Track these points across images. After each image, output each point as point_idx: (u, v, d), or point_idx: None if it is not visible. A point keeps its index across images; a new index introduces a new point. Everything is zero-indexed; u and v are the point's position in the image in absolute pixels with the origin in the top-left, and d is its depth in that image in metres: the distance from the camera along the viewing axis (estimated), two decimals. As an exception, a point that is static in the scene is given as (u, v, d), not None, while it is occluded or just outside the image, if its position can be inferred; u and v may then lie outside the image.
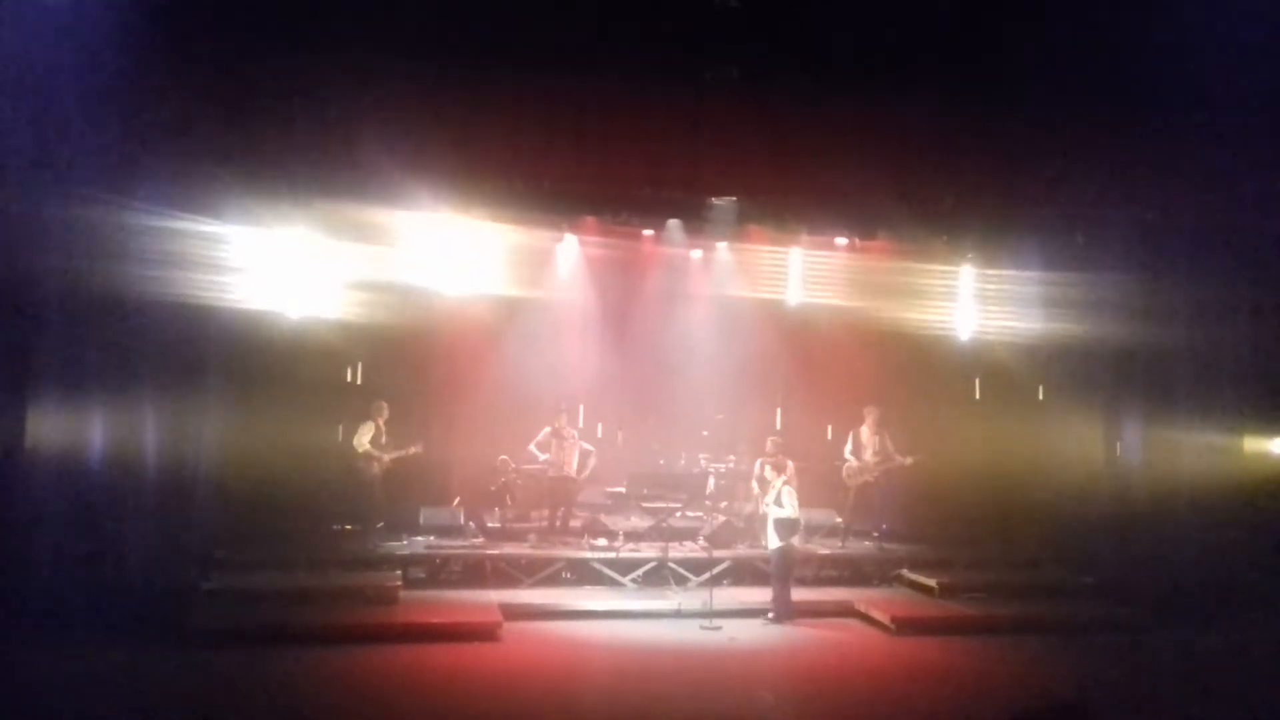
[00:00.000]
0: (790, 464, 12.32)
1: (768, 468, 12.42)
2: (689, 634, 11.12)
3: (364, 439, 13.09)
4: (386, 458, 13.18)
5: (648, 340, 15.51)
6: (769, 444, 13.12)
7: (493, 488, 13.90)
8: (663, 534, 13.25)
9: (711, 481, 14.79)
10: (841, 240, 14.70)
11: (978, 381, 15.43)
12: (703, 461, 15.33)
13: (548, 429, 13.87)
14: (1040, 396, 14.70)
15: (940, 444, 14.07)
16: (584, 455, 14.07)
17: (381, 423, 13.24)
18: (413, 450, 13.35)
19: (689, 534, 13.84)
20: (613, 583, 12.66)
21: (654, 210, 13.90)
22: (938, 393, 14.97)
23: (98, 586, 10.35)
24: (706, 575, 12.40)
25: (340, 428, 13.77)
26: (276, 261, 12.26)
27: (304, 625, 10.44)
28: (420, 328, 13.86)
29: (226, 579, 11.42)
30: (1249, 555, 12.58)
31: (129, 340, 11.05)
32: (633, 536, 13.61)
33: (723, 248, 15.46)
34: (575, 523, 14.13)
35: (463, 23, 10.86)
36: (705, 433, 15.68)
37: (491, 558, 12.84)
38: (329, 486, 13.31)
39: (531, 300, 14.77)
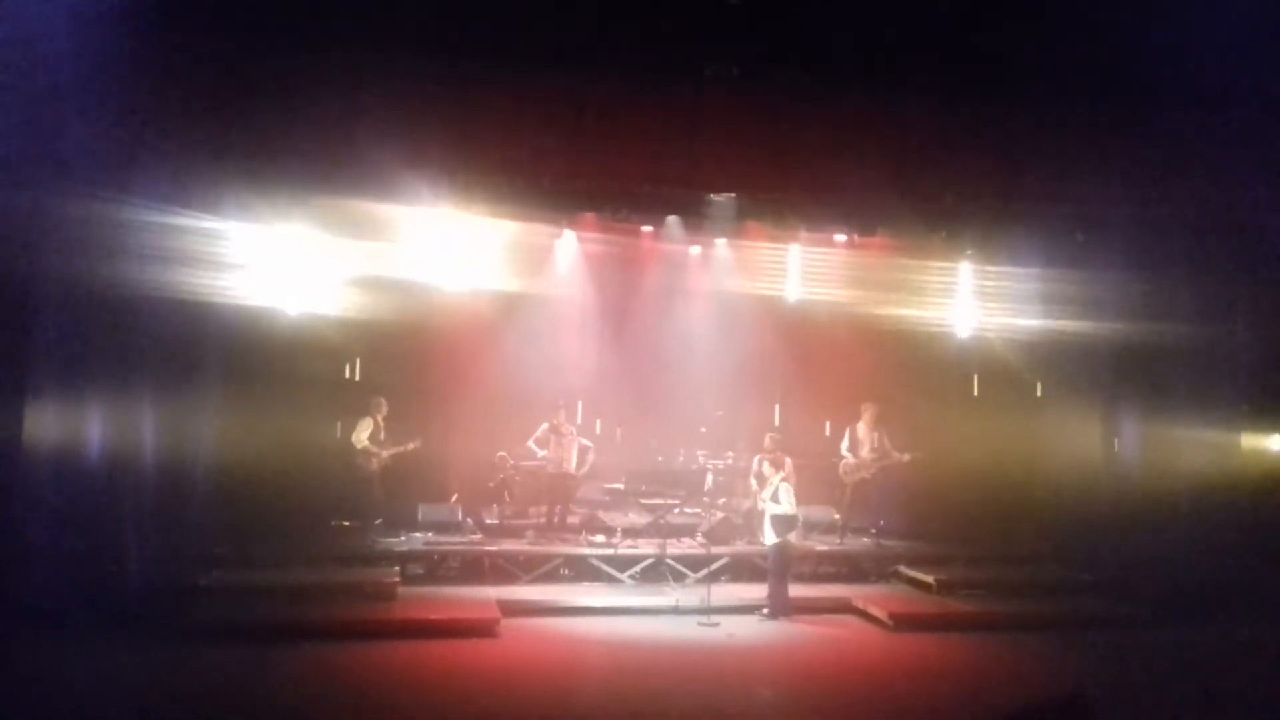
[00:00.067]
0: (788, 460, 12.32)
1: (766, 464, 12.42)
2: (687, 630, 11.13)
3: (362, 435, 13.10)
4: (385, 454, 13.19)
5: (646, 337, 15.51)
6: (767, 440, 13.12)
7: (491, 484, 13.93)
8: (661, 530, 13.26)
9: (710, 478, 14.80)
10: (840, 237, 14.66)
11: (976, 378, 15.46)
12: (701, 458, 15.33)
13: (546, 425, 13.87)
14: (1039, 393, 14.73)
15: (939, 441, 14.08)
16: (582, 451, 14.08)
17: (380, 419, 13.25)
18: (412, 446, 13.36)
19: (687, 530, 13.84)
20: (611, 579, 12.67)
21: (653, 206, 13.88)
22: (936, 389, 14.97)
23: (96, 583, 10.34)
24: (704, 572, 12.42)
25: (339, 424, 13.79)
26: (275, 257, 12.25)
27: (302, 621, 10.46)
28: (419, 324, 13.85)
29: (225, 575, 11.44)
30: (1247, 552, 12.57)
31: (127, 337, 11.05)
32: (631, 533, 13.62)
33: (721, 244, 15.45)
34: (573, 519, 14.15)
35: (462, 19, 10.83)
36: (703, 429, 15.68)
37: (490, 554, 12.84)
38: (327, 483, 13.32)
39: (530, 296, 14.76)
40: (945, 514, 14.40)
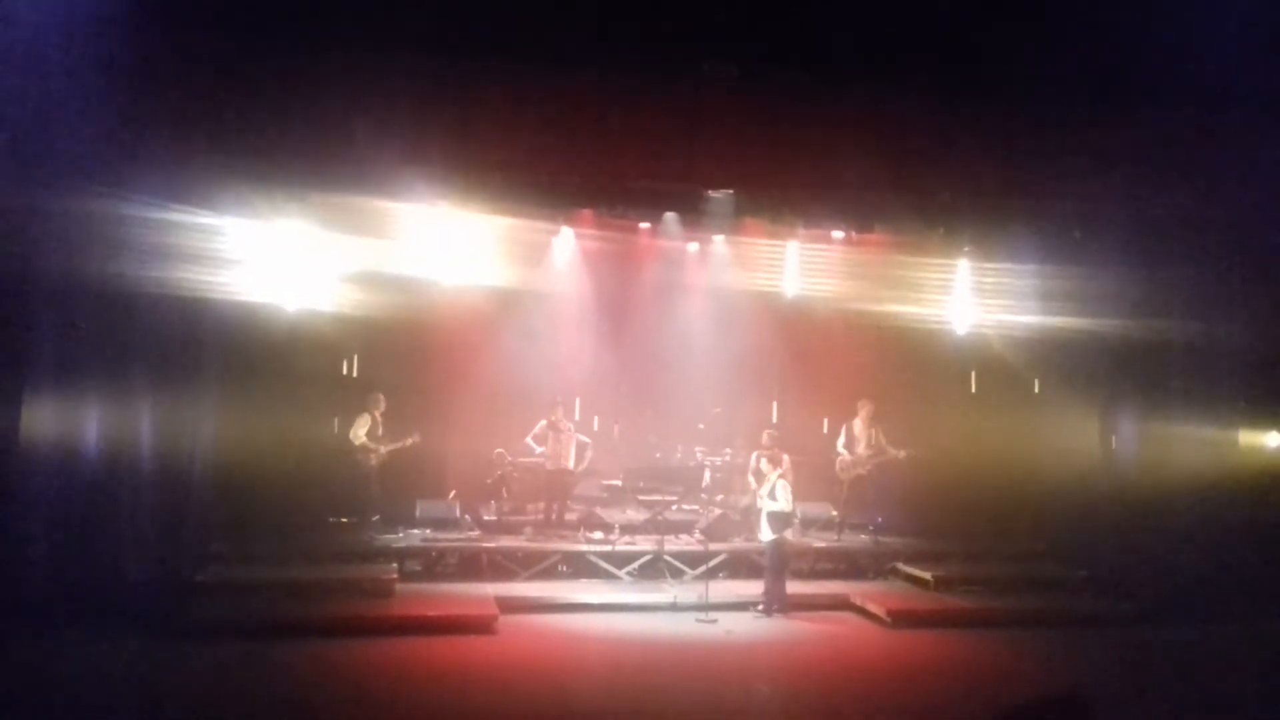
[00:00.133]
0: (786, 457, 12.34)
1: (763, 461, 12.42)
2: (685, 627, 11.14)
3: (360, 432, 13.09)
4: (383, 450, 13.17)
5: (644, 333, 15.50)
6: (765, 437, 13.15)
7: (489, 481, 13.93)
8: (659, 527, 13.26)
9: (707, 474, 14.81)
10: (838, 233, 14.66)
11: (974, 375, 15.44)
12: (699, 454, 15.33)
13: (544, 422, 13.86)
14: (1036, 390, 14.73)
15: (936, 437, 14.11)
16: (581, 448, 14.07)
17: (378, 415, 13.25)
18: (410, 441, 13.34)
19: (685, 527, 13.85)
20: (609, 576, 12.68)
21: (650, 203, 13.89)
22: (934, 386, 14.97)
23: (94, 580, 10.36)
24: (702, 568, 12.43)
25: (336, 420, 13.77)
26: (273, 254, 12.21)
27: (300, 618, 10.46)
28: (416, 320, 13.82)
29: (222, 572, 11.43)
30: (1243, 549, 12.59)
31: (125, 333, 11.04)
32: (629, 529, 13.62)
33: (719, 240, 15.44)
34: (571, 516, 14.14)
35: (459, 16, 10.81)
36: (701, 426, 15.67)
37: (488, 551, 12.85)
38: (325, 479, 13.30)
39: (528, 293, 14.73)
40: (943, 511, 14.40)
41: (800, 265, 15.05)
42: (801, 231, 14.57)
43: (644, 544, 13.10)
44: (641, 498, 14.27)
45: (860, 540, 13.99)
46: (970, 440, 14.10)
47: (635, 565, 12.77)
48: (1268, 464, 13.49)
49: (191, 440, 11.65)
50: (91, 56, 9.95)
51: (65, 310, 10.70)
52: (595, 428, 15.45)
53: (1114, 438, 13.78)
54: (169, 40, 10.40)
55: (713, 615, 11.30)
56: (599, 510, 14.36)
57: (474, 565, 12.77)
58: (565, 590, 12.20)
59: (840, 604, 12.22)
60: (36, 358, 10.66)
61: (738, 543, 13.29)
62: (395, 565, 12.12)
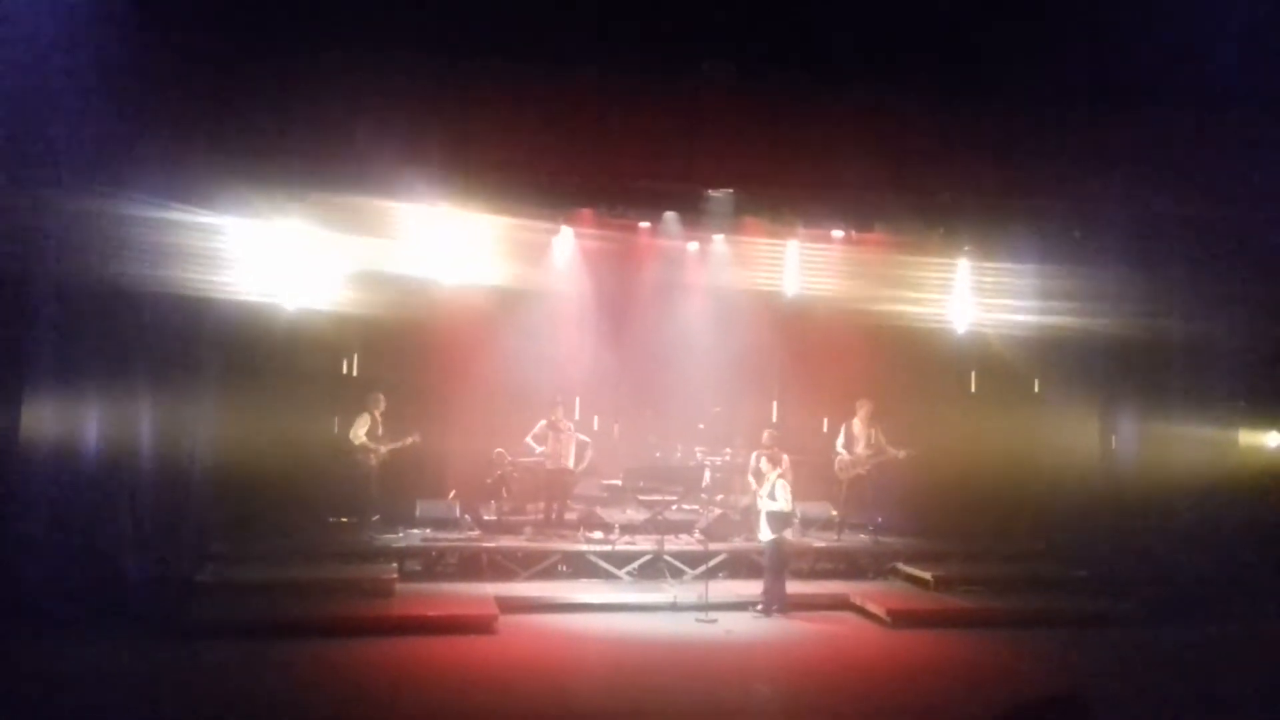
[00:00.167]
0: (785, 457, 12.33)
1: (763, 460, 12.41)
2: (685, 627, 11.14)
3: (360, 432, 13.09)
4: (383, 450, 13.17)
5: (644, 333, 15.49)
6: (765, 436, 13.14)
7: (489, 480, 13.93)
8: (658, 527, 13.26)
9: (707, 474, 14.80)
10: (838, 233, 14.67)
11: (974, 375, 15.46)
12: (699, 454, 15.32)
13: (544, 421, 13.85)
14: (1036, 390, 14.73)
15: (936, 437, 14.09)
16: (581, 447, 14.07)
17: (378, 415, 13.24)
18: (410, 441, 13.33)
19: (685, 527, 13.85)
20: (609, 575, 12.68)
21: (650, 202, 13.89)
22: (934, 386, 14.98)
23: (93, 579, 10.35)
24: (702, 568, 12.43)
25: (336, 420, 13.77)
26: (273, 253, 12.21)
27: (300, 618, 10.46)
28: (416, 320, 13.81)
29: (222, 571, 11.43)
30: (1243, 549, 12.60)
31: (124, 332, 11.03)
32: (629, 529, 13.62)
33: (719, 240, 15.44)
34: (571, 515, 14.14)
35: (459, 16, 10.81)
36: (701, 425, 15.67)
37: (487, 550, 12.84)
38: (325, 479, 13.29)
39: (528, 292, 14.72)
40: (943, 511, 14.40)
41: (800, 265, 15.04)
42: (801, 231, 14.56)
43: (644, 544, 13.10)
44: (641, 497, 14.26)
45: (860, 540, 13.99)
46: (970, 440, 14.09)
47: (635, 565, 12.77)
48: (1267, 464, 13.49)
49: (191, 440, 11.64)
50: (91, 56, 9.94)
51: (65, 310, 10.70)
52: (595, 427, 15.45)
53: (1114, 437, 13.77)
54: (169, 40, 10.39)
55: (713, 615, 11.30)
56: (599, 510, 14.35)
57: (474, 565, 12.77)
58: (565, 590, 12.20)
59: (840, 604, 12.22)
60: (36, 357, 10.66)
61: (738, 542, 13.29)
62: (395, 565, 12.12)
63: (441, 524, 13.66)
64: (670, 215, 14.43)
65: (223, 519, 12.16)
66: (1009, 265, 13.83)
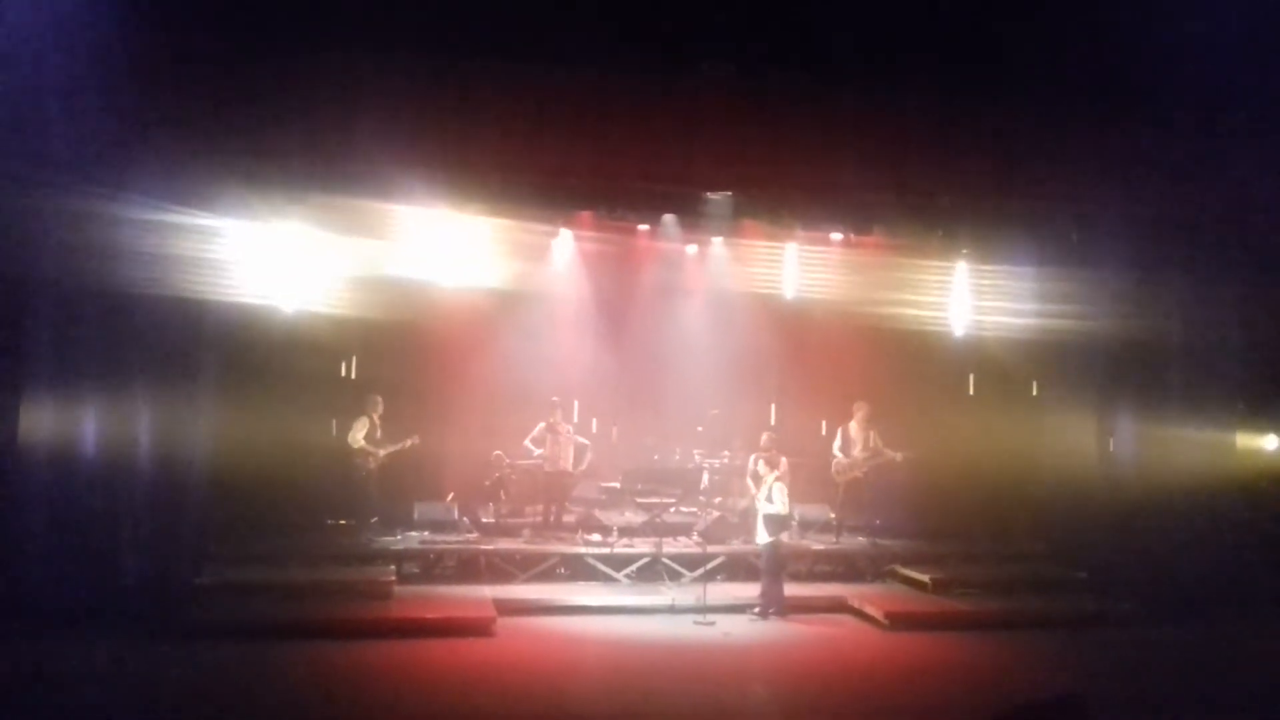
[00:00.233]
0: (784, 460, 12.32)
1: (761, 463, 12.41)
2: (683, 629, 11.13)
3: (358, 435, 13.07)
4: (382, 452, 13.15)
5: (643, 335, 15.51)
6: (763, 439, 13.13)
7: (487, 483, 13.91)
8: (657, 529, 13.26)
9: (706, 477, 14.81)
10: (837, 235, 14.69)
11: (972, 377, 15.45)
12: (697, 457, 15.32)
13: (542, 424, 13.85)
14: (1034, 392, 14.73)
15: (934, 439, 14.09)
16: (580, 450, 14.07)
17: (376, 417, 13.23)
18: (409, 443, 13.31)
19: (683, 529, 13.82)
20: (607, 578, 12.67)
21: (649, 205, 13.91)
22: (932, 388, 14.97)
23: (92, 581, 10.35)
24: (700, 571, 12.41)
25: (334, 422, 13.75)
26: (271, 255, 12.21)
27: (298, 620, 10.45)
28: (415, 322, 13.83)
29: (220, 574, 11.41)
30: (1241, 550, 12.62)
31: (123, 334, 11.03)
32: (627, 532, 13.60)
33: (718, 242, 15.48)
34: (569, 518, 14.14)
35: (458, 17, 10.82)
36: (700, 428, 15.67)
37: (486, 553, 12.83)
38: (323, 481, 13.28)
39: (527, 295, 14.74)
40: (941, 513, 14.41)
41: (799, 267, 15.07)
42: (800, 233, 14.60)
43: (642, 546, 13.09)
44: (640, 500, 14.28)
45: (858, 542, 13.98)
46: (969, 442, 14.09)
47: (633, 567, 12.77)
48: (1265, 466, 13.50)
49: (190, 442, 11.61)
50: (90, 57, 9.95)
51: (64, 312, 10.70)
52: (594, 429, 15.45)
53: (1112, 439, 13.76)
54: (168, 40, 10.40)
55: (711, 617, 11.29)
56: (597, 512, 14.35)
57: (472, 567, 12.76)
58: (563, 592, 12.19)
59: (838, 606, 12.21)
60: (35, 359, 10.66)
61: (736, 545, 13.28)
62: (393, 567, 12.11)
63: (440, 526, 13.66)
64: (669, 217, 14.46)
65: (221, 521, 12.14)
66: (1007, 268, 13.84)
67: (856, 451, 13.87)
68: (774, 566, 11.80)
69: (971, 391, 15.48)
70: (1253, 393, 13.42)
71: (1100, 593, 12.56)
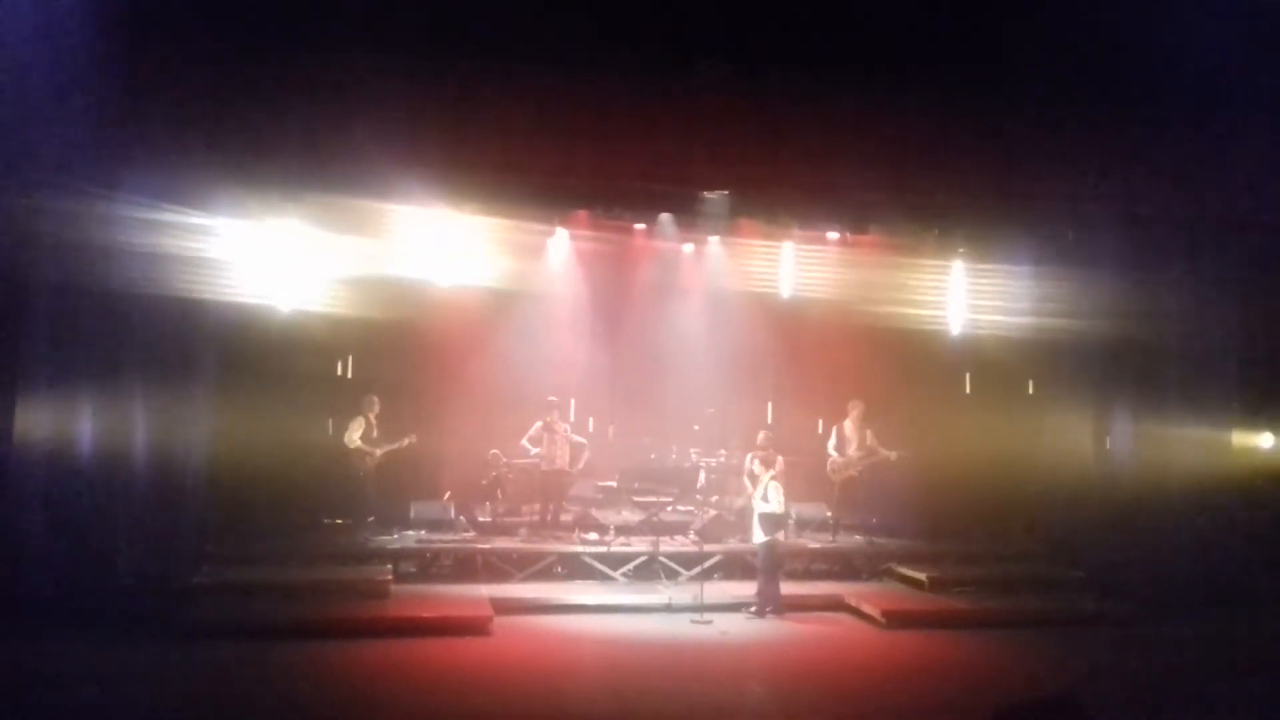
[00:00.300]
0: (780, 459, 12.33)
1: (756, 462, 12.42)
2: (680, 628, 11.13)
3: (354, 435, 13.06)
4: (379, 452, 13.13)
5: (639, 334, 15.51)
6: (760, 438, 13.12)
7: (484, 482, 13.90)
8: (654, 528, 13.28)
9: (703, 476, 14.80)
10: (833, 234, 14.70)
11: (968, 376, 15.46)
12: (694, 456, 15.29)
13: (539, 423, 13.84)
14: (1030, 391, 14.74)
15: (932, 438, 14.11)
16: (577, 449, 14.07)
17: (372, 417, 13.21)
18: (407, 441, 13.30)
19: (680, 528, 13.84)
20: (604, 577, 12.67)
21: (646, 204, 13.89)
22: (928, 387, 14.97)
23: (89, 581, 10.35)
24: (697, 569, 12.42)
25: (331, 421, 13.75)
26: (268, 254, 12.20)
27: (295, 620, 10.44)
28: (411, 322, 13.83)
29: (217, 573, 11.41)
30: (1238, 549, 12.64)
31: (119, 334, 11.03)
32: (624, 531, 13.62)
33: (714, 241, 15.48)
34: (566, 517, 14.14)
35: (455, 17, 10.81)
36: (696, 427, 15.65)
37: (483, 552, 12.83)
38: (320, 480, 13.28)
39: (523, 294, 14.72)
40: (938, 511, 14.43)
41: (795, 266, 15.07)
42: (797, 232, 14.62)
43: (639, 545, 13.11)
44: (636, 499, 14.29)
45: (855, 541, 14.00)
46: (965, 441, 14.08)
47: (630, 566, 12.77)
48: (1261, 465, 13.52)
49: (187, 441, 11.61)
50: (87, 56, 9.94)
51: (61, 311, 10.68)
52: (590, 429, 15.42)
53: (1109, 438, 13.77)
54: (165, 40, 10.39)
55: (708, 616, 11.30)
56: (594, 511, 14.36)
57: (469, 567, 12.76)
58: (560, 591, 12.19)
59: (835, 605, 12.21)
60: (31, 359, 10.65)
61: (733, 544, 13.29)
62: (390, 567, 12.10)
63: (436, 525, 13.65)
64: (665, 217, 14.45)
65: (218, 520, 12.13)
66: (1003, 267, 13.85)
67: (852, 450, 13.89)
68: (770, 565, 11.81)
69: (968, 391, 15.49)
70: (1249, 392, 13.42)
71: (1097, 591, 12.56)
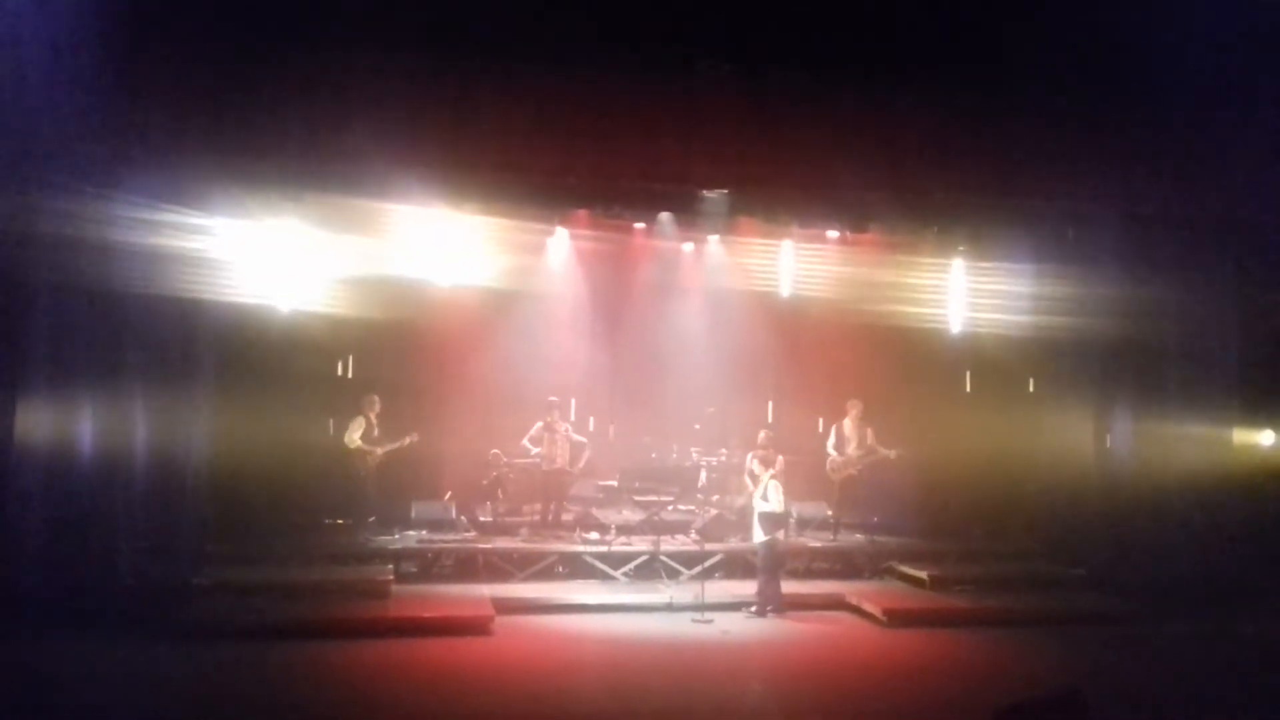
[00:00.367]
0: (780, 458, 12.34)
1: (756, 461, 12.42)
2: (681, 627, 11.14)
3: (354, 435, 13.05)
4: (380, 451, 13.13)
5: (639, 333, 15.52)
6: (760, 437, 13.14)
7: (485, 482, 13.90)
8: (655, 527, 13.26)
9: (703, 475, 14.81)
10: (833, 233, 14.70)
11: (969, 374, 15.47)
12: (694, 455, 15.30)
13: (540, 423, 13.84)
14: (1031, 389, 14.75)
15: (932, 436, 14.12)
16: (578, 448, 14.07)
17: (373, 416, 13.20)
18: (408, 441, 13.29)
19: (681, 527, 13.85)
20: (605, 576, 12.67)
21: (645, 203, 13.88)
22: (929, 385, 14.98)
23: (89, 581, 10.35)
24: (698, 569, 12.42)
25: (331, 421, 13.74)
26: (267, 254, 12.20)
27: (296, 620, 10.44)
28: (412, 321, 13.84)
29: (218, 573, 11.40)
30: (1238, 547, 12.64)
31: (119, 334, 11.03)
32: (625, 530, 13.62)
33: (714, 240, 15.49)
34: (567, 516, 14.15)
35: (454, 16, 10.81)
36: (697, 426, 15.64)
37: (484, 552, 12.83)
38: (321, 480, 13.28)
39: (523, 293, 14.73)
40: (939, 510, 14.44)
41: (795, 265, 15.07)
42: (796, 231, 14.61)
43: (640, 544, 13.11)
44: (637, 498, 14.29)
45: (856, 540, 14.01)
46: (966, 439, 14.09)
47: (631, 566, 12.77)
48: (1262, 462, 13.52)
49: (186, 441, 11.61)
50: (86, 57, 9.93)
51: (60, 311, 10.68)
52: (591, 428, 15.42)
53: (1109, 436, 13.77)
54: (165, 40, 10.38)
55: (709, 615, 11.31)
56: (595, 511, 14.37)
57: (470, 566, 12.76)
58: (561, 591, 12.19)
59: (836, 604, 12.22)
60: (31, 359, 10.64)
61: (733, 543, 13.29)
62: (391, 567, 12.11)
63: (437, 525, 13.66)
64: (665, 216, 14.43)
65: (218, 521, 12.12)
66: (1003, 265, 13.86)
67: (851, 449, 13.89)
68: (771, 564, 11.81)
69: (968, 389, 15.50)
70: (1249, 389, 13.42)
71: (1098, 589, 12.58)
